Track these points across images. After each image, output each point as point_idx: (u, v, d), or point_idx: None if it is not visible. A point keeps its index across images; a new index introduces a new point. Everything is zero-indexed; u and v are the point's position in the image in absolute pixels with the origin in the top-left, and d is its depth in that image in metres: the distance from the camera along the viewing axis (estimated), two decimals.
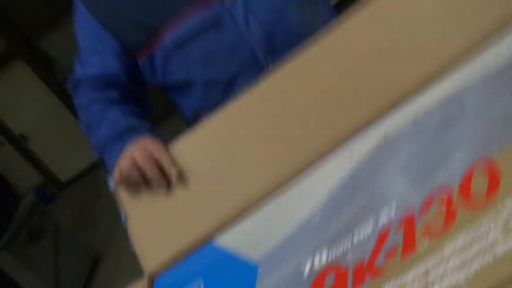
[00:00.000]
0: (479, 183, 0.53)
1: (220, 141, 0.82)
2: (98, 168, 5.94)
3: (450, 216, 0.52)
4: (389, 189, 0.65)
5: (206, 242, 0.79)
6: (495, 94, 0.66)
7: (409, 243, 0.53)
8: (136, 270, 0.85)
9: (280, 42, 0.93)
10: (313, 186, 0.74)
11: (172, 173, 0.79)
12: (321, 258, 0.62)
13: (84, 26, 0.97)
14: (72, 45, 1.04)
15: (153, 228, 0.86)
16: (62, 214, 5.91)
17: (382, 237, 0.57)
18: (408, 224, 0.55)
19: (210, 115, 0.99)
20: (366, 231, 0.60)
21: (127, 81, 0.99)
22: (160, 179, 0.80)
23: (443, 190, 0.56)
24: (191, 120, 1.04)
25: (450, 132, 0.65)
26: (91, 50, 0.99)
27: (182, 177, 0.81)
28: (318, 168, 0.75)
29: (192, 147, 0.86)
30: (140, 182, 0.80)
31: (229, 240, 0.77)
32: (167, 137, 0.92)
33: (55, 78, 6.49)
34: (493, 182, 0.51)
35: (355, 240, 0.60)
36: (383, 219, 0.60)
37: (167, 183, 0.81)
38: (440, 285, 0.46)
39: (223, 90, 0.96)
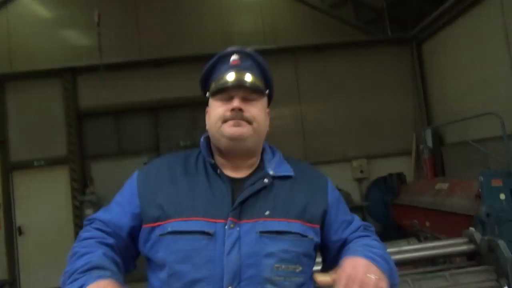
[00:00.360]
0: None
1: None
2: None
3: None
4: None
5: None
6: None
7: None
8: None
9: (245, 278, 1.06)
10: None
11: None
12: None
13: (127, 188, 1.22)
14: (110, 180, 1.24)
15: None
16: None
17: None
18: None
19: None
20: None
21: (126, 236, 1.16)
22: None
23: None
24: None
25: None
26: (118, 204, 1.21)
27: None
28: None
29: None
30: None
31: None
32: None
33: (83, 195, 6.87)
34: None
35: None
36: None
37: None
38: None
39: (181, 286, 1.07)
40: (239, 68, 1.18)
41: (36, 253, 6.87)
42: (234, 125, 1.15)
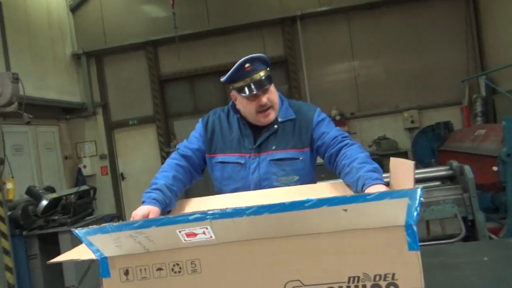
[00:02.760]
0: None
1: None
2: None
3: None
4: None
5: None
6: None
7: None
8: None
9: (263, 186, 1.80)
10: None
11: None
12: None
13: (196, 129, 1.96)
14: (188, 134, 2.13)
15: None
16: None
17: None
18: None
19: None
20: None
21: (199, 153, 1.90)
22: None
23: None
24: (216, 191, 1.94)
25: None
26: (193, 136, 1.94)
27: None
28: None
29: None
30: None
31: None
32: None
33: (168, 147, 8.33)
34: None
35: None
36: None
37: None
38: None
39: (230, 191, 1.84)
40: (253, 72, 1.75)
41: (135, 193, 8.55)
42: (266, 116, 1.80)
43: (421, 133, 7.44)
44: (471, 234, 2.79)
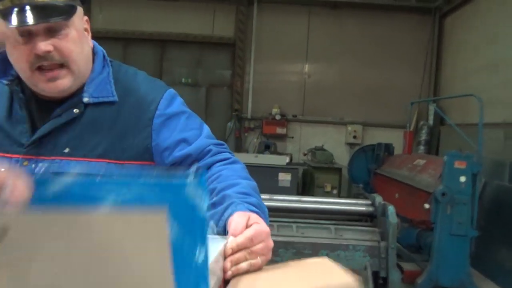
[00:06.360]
0: None
1: None
2: None
3: None
4: None
5: None
6: None
7: None
8: None
9: None
10: None
11: None
12: None
13: None
14: None
15: None
16: None
17: None
18: None
19: None
20: None
21: None
22: None
23: None
24: None
25: None
26: None
27: None
28: None
29: None
30: None
31: None
32: None
33: None
34: None
35: None
36: None
37: None
38: None
39: None
40: None
41: None
42: (49, 80, 0.95)
43: (360, 150, 6.91)
44: None
